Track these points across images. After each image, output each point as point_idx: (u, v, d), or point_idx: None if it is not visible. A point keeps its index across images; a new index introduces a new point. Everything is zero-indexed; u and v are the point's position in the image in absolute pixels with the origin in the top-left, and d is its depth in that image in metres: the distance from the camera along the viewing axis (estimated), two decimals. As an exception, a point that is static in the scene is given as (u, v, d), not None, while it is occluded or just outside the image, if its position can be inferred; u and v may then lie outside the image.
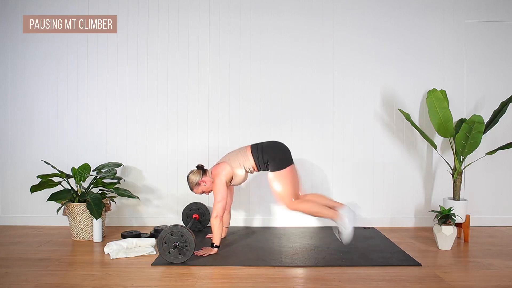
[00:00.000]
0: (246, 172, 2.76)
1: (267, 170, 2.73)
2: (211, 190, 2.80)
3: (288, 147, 2.80)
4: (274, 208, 3.47)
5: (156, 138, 3.47)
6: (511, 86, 3.50)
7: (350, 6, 3.46)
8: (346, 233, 2.62)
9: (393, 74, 3.48)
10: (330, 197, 2.92)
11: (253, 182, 3.45)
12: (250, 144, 2.84)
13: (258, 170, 2.76)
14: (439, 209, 2.90)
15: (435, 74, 3.48)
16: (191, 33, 3.46)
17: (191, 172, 2.81)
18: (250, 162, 2.72)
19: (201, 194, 2.85)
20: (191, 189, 2.81)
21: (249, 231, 3.25)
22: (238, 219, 3.44)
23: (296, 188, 2.72)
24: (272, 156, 2.68)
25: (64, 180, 3.09)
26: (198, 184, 2.77)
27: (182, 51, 3.46)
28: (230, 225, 3.13)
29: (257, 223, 3.47)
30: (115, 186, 3.16)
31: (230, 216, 3.06)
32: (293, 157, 2.88)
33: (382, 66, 3.47)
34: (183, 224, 3.20)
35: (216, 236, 2.60)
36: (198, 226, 3.29)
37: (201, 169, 2.81)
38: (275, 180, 2.67)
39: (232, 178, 2.74)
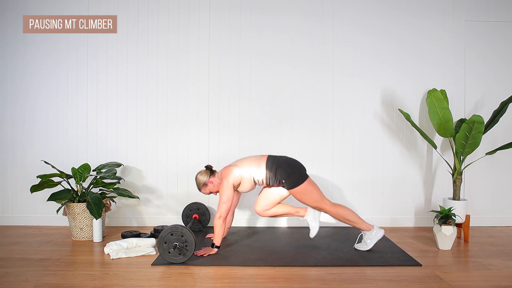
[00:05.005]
0: (255, 183, 2.73)
1: (279, 186, 2.70)
2: (219, 191, 2.80)
3: (302, 164, 2.77)
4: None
5: (156, 138, 3.47)
6: (511, 86, 3.50)
7: (350, 6, 3.46)
8: (365, 247, 2.72)
9: (393, 74, 3.48)
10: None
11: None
12: (267, 154, 2.79)
13: (268, 185, 2.72)
14: (439, 209, 2.90)
15: (435, 74, 3.48)
16: (191, 33, 3.46)
17: (199, 172, 2.81)
18: (261, 174, 2.68)
19: (209, 194, 2.85)
20: (199, 189, 2.82)
21: (249, 231, 3.25)
22: (240, 219, 3.44)
23: (322, 193, 2.70)
24: (287, 173, 2.63)
25: (64, 180, 3.09)
26: (205, 184, 2.77)
27: (182, 51, 3.46)
28: (232, 225, 3.13)
29: (259, 223, 3.46)
30: (115, 186, 3.16)
31: (232, 218, 3.05)
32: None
33: (382, 66, 3.47)
34: (183, 224, 3.20)
35: (218, 237, 2.60)
36: (198, 226, 3.29)
37: (209, 170, 2.81)
38: (299, 195, 2.64)
39: (240, 183, 2.72)
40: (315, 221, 2.79)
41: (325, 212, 2.71)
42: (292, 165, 2.70)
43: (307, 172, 2.74)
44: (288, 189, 2.65)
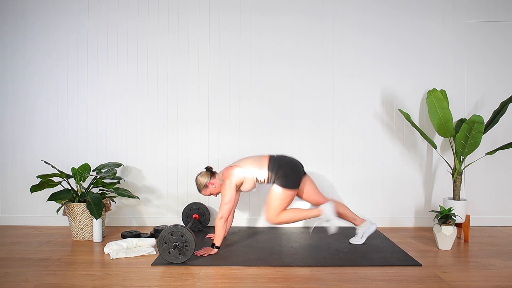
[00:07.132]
0: (257, 182, 2.75)
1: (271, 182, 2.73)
2: (219, 192, 2.79)
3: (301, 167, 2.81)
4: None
5: (156, 138, 3.47)
6: (511, 86, 3.50)
7: (350, 6, 3.46)
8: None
9: (393, 74, 3.48)
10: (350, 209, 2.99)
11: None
12: (269, 154, 2.81)
13: (268, 183, 2.75)
14: (439, 209, 2.90)
15: (435, 74, 3.48)
16: (191, 33, 3.46)
17: (200, 174, 2.81)
18: (264, 174, 2.70)
19: (209, 196, 2.84)
20: (199, 191, 2.82)
21: (249, 231, 3.25)
22: (240, 219, 3.44)
23: (284, 208, 2.71)
24: (286, 173, 2.67)
25: (64, 180, 3.09)
26: (206, 186, 2.77)
27: (182, 51, 3.46)
28: (232, 225, 3.13)
29: (259, 223, 3.47)
30: (115, 186, 3.16)
31: (233, 217, 3.05)
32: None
33: (382, 66, 3.47)
34: (183, 224, 3.20)
35: (218, 237, 2.60)
36: (198, 226, 3.29)
37: (209, 171, 2.80)
38: (275, 194, 2.66)
39: (242, 183, 2.73)
40: (364, 235, 2.86)
41: (270, 219, 2.69)
42: (293, 168, 2.72)
43: (306, 170, 2.74)
44: (278, 185, 2.66)
